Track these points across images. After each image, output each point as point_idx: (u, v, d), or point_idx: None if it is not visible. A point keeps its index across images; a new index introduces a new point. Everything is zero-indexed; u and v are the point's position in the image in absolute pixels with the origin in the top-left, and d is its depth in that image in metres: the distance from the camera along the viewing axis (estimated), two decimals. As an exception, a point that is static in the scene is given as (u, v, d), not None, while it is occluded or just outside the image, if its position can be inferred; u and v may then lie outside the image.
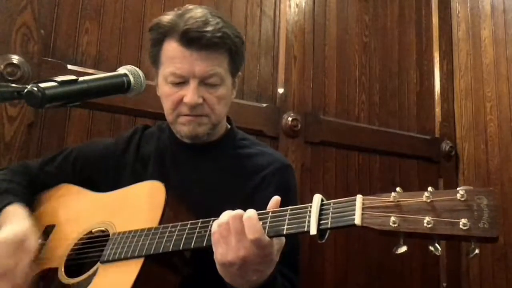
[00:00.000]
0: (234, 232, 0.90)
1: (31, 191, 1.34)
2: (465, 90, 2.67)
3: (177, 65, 1.19)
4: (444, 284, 2.49)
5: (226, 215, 0.93)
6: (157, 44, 1.24)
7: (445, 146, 2.61)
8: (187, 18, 1.18)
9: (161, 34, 1.22)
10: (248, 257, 0.90)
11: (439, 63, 2.72)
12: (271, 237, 0.91)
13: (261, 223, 0.91)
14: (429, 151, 2.58)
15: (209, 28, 1.16)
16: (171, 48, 1.20)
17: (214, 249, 0.94)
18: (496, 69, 2.51)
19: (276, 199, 0.97)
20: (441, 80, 2.70)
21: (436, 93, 2.70)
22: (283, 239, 0.95)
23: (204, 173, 1.29)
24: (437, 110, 2.67)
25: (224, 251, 0.92)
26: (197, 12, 1.20)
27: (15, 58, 1.66)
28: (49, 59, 1.74)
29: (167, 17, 1.22)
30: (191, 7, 1.24)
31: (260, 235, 0.89)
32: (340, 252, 2.25)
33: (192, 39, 1.16)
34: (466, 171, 2.60)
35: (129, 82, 1.07)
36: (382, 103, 2.51)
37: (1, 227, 1.15)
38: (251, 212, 0.92)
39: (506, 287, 2.33)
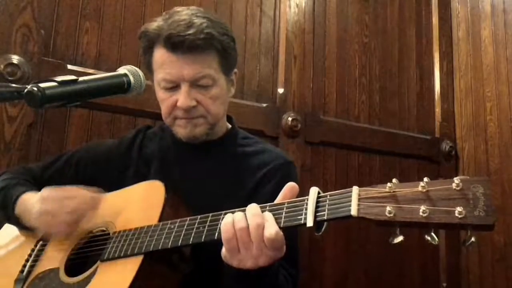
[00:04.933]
0: (257, 240, 0.90)
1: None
2: (465, 90, 2.67)
3: (166, 70, 1.20)
4: (444, 284, 2.49)
5: (243, 219, 0.91)
6: (147, 51, 1.25)
7: (445, 146, 2.61)
8: (171, 23, 1.18)
9: (149, 42, 1.23)
10: (266, 262, 0.91)
11: (439, 63, 2.72)
12: None
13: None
14: (429, 151, 2.58)
15: (191, 31, 1.16)
16: (159, 54, 1.21)
17: (228, 254, 0.93)
18: (496, 69, 2.51)
19: (291, 185, 0.97)
20: (441, 80, 2.70)
21: (436, 93, 2.70)
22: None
23: (206, 172, 1.29)
24: (437, 110, 2.68)
25: (243, 258, 0.92)
26: (182, 14, 1.20)
27: (15, 58, 1.66)
28: (49, 59, 1.75)
29: (153, 24, 1.22)
30: (178, 9, 1.23)
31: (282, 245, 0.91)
32: (340, 252, 2.25)
33: (176, 44, 1.16)
34: (466, 171, 2.60)
35: (129, 82, 1.07)
36: (382, 103, 2.52)
37: (24, 214, 1.19)
38: (273, 229, 0.90)
39: (506, 287, 2.33)
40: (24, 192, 1.23)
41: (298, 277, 1.22)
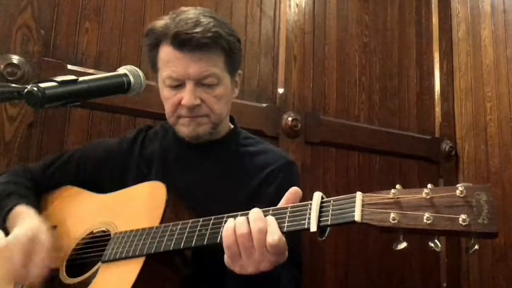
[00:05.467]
0: (259, 245, 0.90)
1: (34, 192, 1.34)
2: (465, 90, 2.67)
3: (172, 68, 1.20)
4: (444, 284, 2.49)
5: (245, 224, 0.91)
6: (153, 49, 1.25)
7: (445, 146, 2.61)
8: (178, 21, 1.19)
9: (156, 39, 1.23)
10: (268, 267, 0.91)
11: (439, 63, 2.72)
12: None
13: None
14: (429, 151, 2.58)
15: (199, 29, 1.16)
16: (166, 52, 1.21)
17: (230, 260, 0.93)
18: (496, 69, 2.51)
19: (295, 189, 0.96)
20: (441, 80, 2.70)
21: (436, 93, 2.70)
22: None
23: (208, 172, 1.29)
24: (437, 110, 2.67)
25: (245, 263, 0.92)
26: (189, 13, 1.20)
27: (15, 58, 1.65)
28: (49, 59, 1.74)
29: (160, 22, 1.23)
30: (185, 9, 1.24)
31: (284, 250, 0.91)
32: (340, 252, 2.25)
33: (183, 41, 1.17)
34: (466, 171, 2.60)
35: (129, 82, 1.07)
36: (382, 103, 2.51)
37: (12, 229, 1.16)
38: (276, 234, 0.89)
39: (506, 287, 2.33)
40: (16, 204, 1.22)
41: (301, 280, 1.22)
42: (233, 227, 0.92)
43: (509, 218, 2.33)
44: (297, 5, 2.30)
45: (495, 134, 2.48)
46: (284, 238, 0.90)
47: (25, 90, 0.91)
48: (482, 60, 2.59)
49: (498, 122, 2.47)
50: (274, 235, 0.88)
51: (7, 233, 1.21)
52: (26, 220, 1.16)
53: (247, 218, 0.92)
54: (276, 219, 0.91)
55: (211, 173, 1.29)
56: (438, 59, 2.72)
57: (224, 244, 0.92)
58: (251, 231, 0.90)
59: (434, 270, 2.49)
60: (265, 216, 0.92)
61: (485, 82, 2.56)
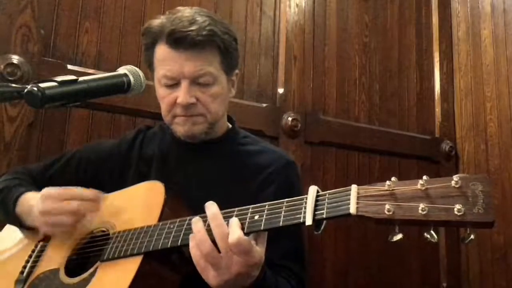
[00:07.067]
0: (223, 249, 0.91)
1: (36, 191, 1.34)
2: (465, 90, 2.67)
3: (167, 67, 1.20)
4: (444, 284, 2.49)
5: (208, 244, 0.92)
6: (149, 48, 1.25)
7: (445, 146, 2.61)
8: (174, 19, 1.19)
9: (152, 38, 1.23)
10: (241, 269, 0.91)
11: (439, 63, 2.72)
12: (267, 229, 0.92)
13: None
14: (429, 151, 2.58)
15: (194, 27, 1.16)
16: (161, 51, 1.21)
17: (204, 276, 0.94)
18: (496, 69, 2.51)
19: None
20: (441, 80, 2.70)
21: (436, 93, 2.70)
22: (265, 241, 0.95)
23: (207, 172, 1.29)
24: (437, 110, 2.68)
25: (217, 274, 0.92)
26: (185, 12, 1.21)
27: (15, 58, 1.66)
28: (49, 59, 1.75)
29: (156, 21, 1.23)
30: (181, 8, 1.24)
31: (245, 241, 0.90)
32: (340, 252, 2.25)
33: (178, 39, 1.17)
34: (466, 171, 2.60)
35: (129, 82, 1.07)
36: (382, 103, 2.52)
37: (25, 211, 1.19)
38: (236, 233, 0.90)
39: (506, 287, 2.33)
40: (25, 192, 1.24)
41: (305, 275, 1.22)
42: (196, 245, 0.93)
43: (509, 218, 2.33)
44: (297, 5, 2.31)
45: (495, 134, 2.48)
46: (244, 237, 0.90)
47: (25, 90, 0.91)
48: (482, 60, 2.59)
49: (498, 122, 2.47)
50: (234, 235, 0.89)
51: (20, 224, 1.24)
52: (37, 195, 1.18)
53: (208, 229, 0.93)
54: (272, 214, 0.91)
55: (210, 172, 1.29)
56: (438, 59, 2.72)
57: (197, 265, 0.93)
58: (215, 238, 0.91)
59: (434, 270, 2.49)
60: (229, 217, 0.93)
61: (485, 82, 2.56)
